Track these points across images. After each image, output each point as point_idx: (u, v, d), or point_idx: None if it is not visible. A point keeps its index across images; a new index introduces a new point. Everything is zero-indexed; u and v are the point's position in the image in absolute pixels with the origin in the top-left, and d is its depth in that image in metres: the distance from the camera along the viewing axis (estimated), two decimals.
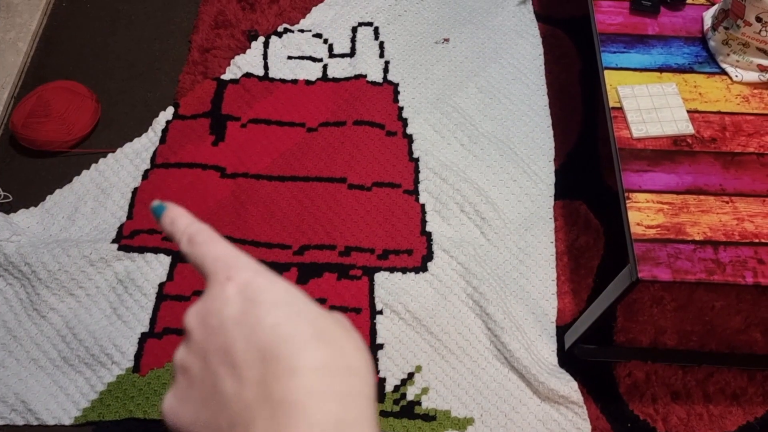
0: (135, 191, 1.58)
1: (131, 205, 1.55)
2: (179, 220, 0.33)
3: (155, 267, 1.47)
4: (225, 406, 0.26)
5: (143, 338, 1.39)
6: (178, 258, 1.48)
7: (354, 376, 0.26)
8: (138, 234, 1.51)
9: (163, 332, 1.39)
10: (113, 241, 1.49)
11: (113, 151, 1.64)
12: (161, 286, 1.44)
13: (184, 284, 1.45)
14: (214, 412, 0.27)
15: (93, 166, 1.62)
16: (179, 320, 1.40)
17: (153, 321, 1.41)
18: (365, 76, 1.76)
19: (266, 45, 1.83)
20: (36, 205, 1.57)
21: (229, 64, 1.79)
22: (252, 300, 0.27)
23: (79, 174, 1.61)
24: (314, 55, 1.81)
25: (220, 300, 0.28)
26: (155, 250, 1.49)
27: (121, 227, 1.52)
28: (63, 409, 1.32)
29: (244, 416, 0.25)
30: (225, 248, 0.31)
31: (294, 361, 0.25)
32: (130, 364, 1.36)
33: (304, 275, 1.46)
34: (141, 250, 1.48)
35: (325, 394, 0.25)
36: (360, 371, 0.27)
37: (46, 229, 1.53)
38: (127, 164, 1.62)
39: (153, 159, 1.63)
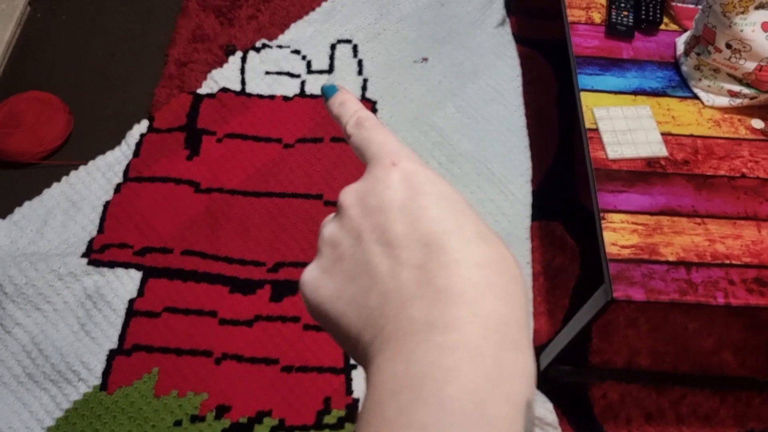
0: (106, 205, 1.55)
1: (102, 219, 1.52)
2: (350, 103, 0.33)
3: (125, 282, 1.44)
4: (377, 283, 0.26)
5: (111, 355, 1.35)
6: (149, 273, 1.45)
7: (513, 282, 0.26)
8: (108, 248, 1.48)
9: (133, 349, 1.36)
10: (83, 256, 1.45)
11: (85, 164, 1.62)
12: (131, 302, 1.41)
13: (155, 300, 1.42)
14: (363, 289, 0.26)
15: (64, 178, 1.59)
16: (149, 337, 1.37)
17: (122, 338, 1.37)
18: None
19: (244, 60, 1.82)
20: (4, 218, 1.53)
21: (205, 79, 1.78)
22: (417, 189, 0.27)
23: (49, 186, 1.58)
24: (292, 71, 1.81)
25: (383, 183, 0.28)
26: (126, 265, 1.46)
27: (91, 241, 1.49)
28: (27, 427, 1.27)
29: (400, 295, 0.25)
30: (391, 137, 0.31)
31: (459, 254, 0.25)
32: (98, 381, 1.32)
33: (278, 293, 1.44)
34: (111, 264, 1.45)
35: (490, 291, 0.24)
36: (518, 278, 0.26)
37: (13, 243, 1.49)
38: (98, 177, 1.59)
39: (126, 172, 1.60)
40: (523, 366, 0.23)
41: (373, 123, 0.32)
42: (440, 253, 0.25)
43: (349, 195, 0.29)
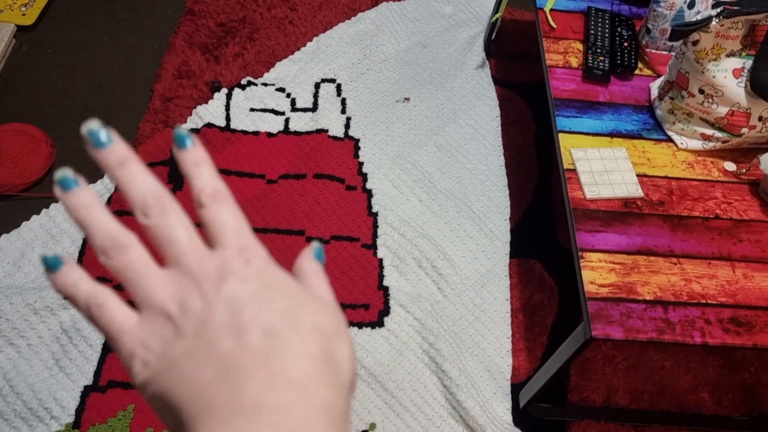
0: (86, 239, 1.53)
1: (81, 252, 1.51)
2: (205, 167, 0.32)
3: None
4: (216, 362, 0.27)
5: (86, 392, 1.32)
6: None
7: (340, 374, 0.29)
8: None
9: (108, 386, 1.33)
10: None
11: None
12: None
13: None
14: (200, 363, 0.27)
15: (44, 211, 1.58)
16: (125, 374, 1.35)
17: (97, 374, 1.35)
18: (327, 130, 1.78)
19: (229, 96, 1.84)
20: None
21: (190, 114, 1.79)
22: (267, 284, 0.30)
23: (28, 219, 1.56)
24: (277, 108, 1.83)
25: (239, 275, 0.30)
26: None
27: None
28: None
29: (233, 373, 0.27)
30: (243, 223, 0.33)
31: (296, 346, 0.28)
32: (70, 419, 1.29)
33: None
34: None
35: (321, 380, 0.28)
36: (345, 371, 0.30)
37: None
38: None
39: (107, 206, 1.59)
40: None
41: (230, 202, 0.32)
42: (279, 342, 0.28)
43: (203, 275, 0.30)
